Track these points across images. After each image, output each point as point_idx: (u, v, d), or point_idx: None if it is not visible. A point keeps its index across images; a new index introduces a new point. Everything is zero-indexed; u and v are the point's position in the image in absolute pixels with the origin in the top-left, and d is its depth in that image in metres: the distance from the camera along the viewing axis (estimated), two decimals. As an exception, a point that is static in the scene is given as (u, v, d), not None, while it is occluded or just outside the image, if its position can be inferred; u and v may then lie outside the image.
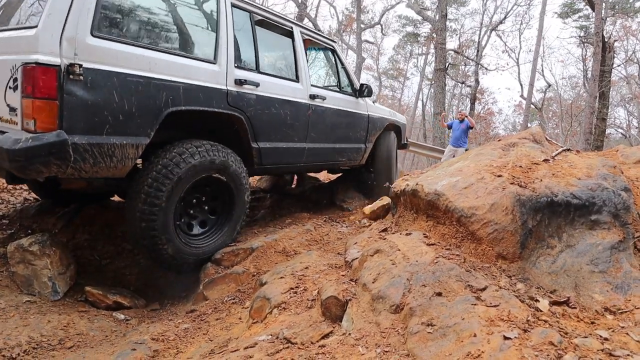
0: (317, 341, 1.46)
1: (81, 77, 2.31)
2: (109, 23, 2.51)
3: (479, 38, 26.19)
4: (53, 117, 2.26)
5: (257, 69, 3.43)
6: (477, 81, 24.24)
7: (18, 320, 2.33)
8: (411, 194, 2.16)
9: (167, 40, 2.93)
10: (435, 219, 1.99)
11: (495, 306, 1.30)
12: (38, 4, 2.57)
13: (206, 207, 3.21)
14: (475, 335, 1.18)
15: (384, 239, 2.00)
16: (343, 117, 4.36)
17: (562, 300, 1.40)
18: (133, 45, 2.58)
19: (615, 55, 16.02)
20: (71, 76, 2.28)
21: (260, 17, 3.60)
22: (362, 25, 23.76)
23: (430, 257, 1.67)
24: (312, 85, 3.97)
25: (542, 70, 32.38)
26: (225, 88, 3.11)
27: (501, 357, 1.08)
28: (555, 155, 2.67)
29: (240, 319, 2.51)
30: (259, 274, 2.97)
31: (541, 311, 1.32)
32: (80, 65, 2.29)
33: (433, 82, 20.08)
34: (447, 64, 19.68)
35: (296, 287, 2.03)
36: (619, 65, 19.51)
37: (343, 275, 1.94)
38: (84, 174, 2.40)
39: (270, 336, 1.55)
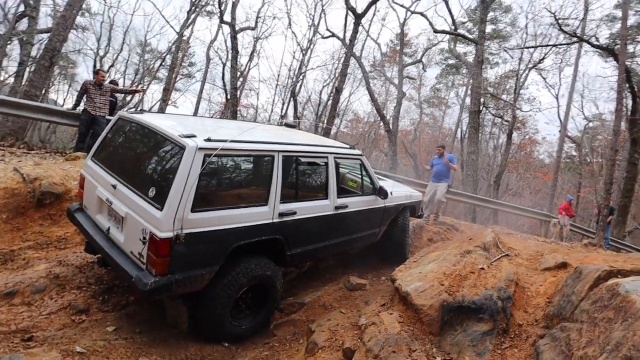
0: (340, 369, 3.22)
1: (183, 241, 3.32)
2: (202, 200, 3.46)
3: (517, 77, 26.72)
4: (165, 267, 3.31)
5: (296, 199, 4.26)
6: (514, 117, 25.14)
7: (175, 344, 4.19)
8: (396, 289, 3.91)
9: (236, 199, 3.81)
10: (406, 305, 3.71)
11: (415, 359, 3.02)
12: (160, 178, 3.56)
13: (249, 301, 4.25)
14: (402, 371, 2.90)
15: (378, 315, 3.74)
16: (361, 215, 5.18)
17: (449, 359, 3.09)
18: (216, 210, 3.55)
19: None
20: (177, 241, 3.29)
21: (302, 158, 4.37)
22: (404, 62, 25.40)
23: (397, 330, 3.40)
24: (337, 197, 4.77)
25: (582, 107, 32.24)
26: (272, 221, 3.98)
27: (409, 381, 2.80)
28: (494, 261, 4.30)
29: (297, 350, 4.28)
30: (308, 322, 4.73)
31: (436, 364, 3.02)
32: (184, 235, 3.31)
33: (468, 123, 21.38)
34: (482, 106, 20.88)
35: (331, 338, 3.80)
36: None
37: (356, 333, 3.69)
38: (179, 293, 3.57)
39: (318, 365, 3.33)
